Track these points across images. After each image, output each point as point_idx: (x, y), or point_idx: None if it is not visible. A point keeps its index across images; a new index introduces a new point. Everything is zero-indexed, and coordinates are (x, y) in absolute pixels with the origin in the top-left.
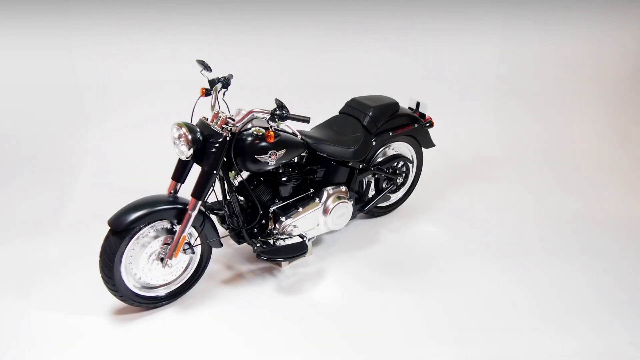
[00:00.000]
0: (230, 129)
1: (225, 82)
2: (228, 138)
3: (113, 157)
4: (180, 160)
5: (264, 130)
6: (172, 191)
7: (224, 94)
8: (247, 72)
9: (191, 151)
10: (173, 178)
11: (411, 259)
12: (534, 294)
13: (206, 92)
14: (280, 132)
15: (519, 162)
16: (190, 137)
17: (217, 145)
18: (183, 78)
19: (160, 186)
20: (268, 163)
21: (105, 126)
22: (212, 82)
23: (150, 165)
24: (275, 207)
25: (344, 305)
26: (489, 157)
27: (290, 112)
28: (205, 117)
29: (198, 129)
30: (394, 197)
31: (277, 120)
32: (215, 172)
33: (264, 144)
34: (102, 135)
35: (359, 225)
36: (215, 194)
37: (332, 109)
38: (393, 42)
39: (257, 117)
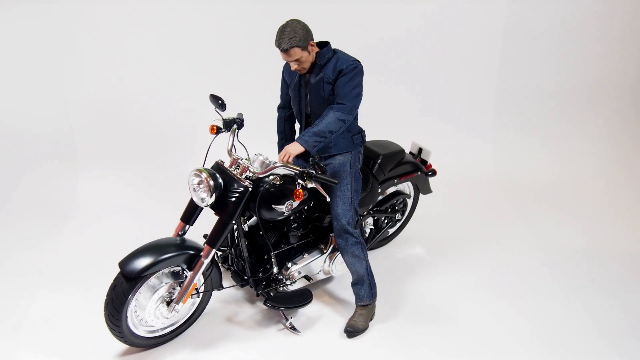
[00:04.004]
0: (251, 177)
1: (240, 123)
2: (250, 189)
3: (106, 190)
4: (192, 202)
5: (281, 180)
6: (180, 232)
7: (237, 135)
8: (246, 98)
9: (213, 198)
10: (182, 219)
11: (410, 295)
12: (536, 329)
13: (217, 130)
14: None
15: (519, 195)
16: (212, 183)
17: (238, 195)
18: (178, 103)
19: (158, 217)
20: (284, 212)
21: (96, 159)
22: (228, 123)
23: (144, 197)
24: (279, 252)
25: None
26: (487, 191)
27: (321, 174)
28: (221, 161)
29: (218, 175)
30: (391, 230)
31: (306, 179)
32: (233, 222)
33: (282, 194)
34: (94, 170)
35: None
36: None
37: None
38: (391, 71)
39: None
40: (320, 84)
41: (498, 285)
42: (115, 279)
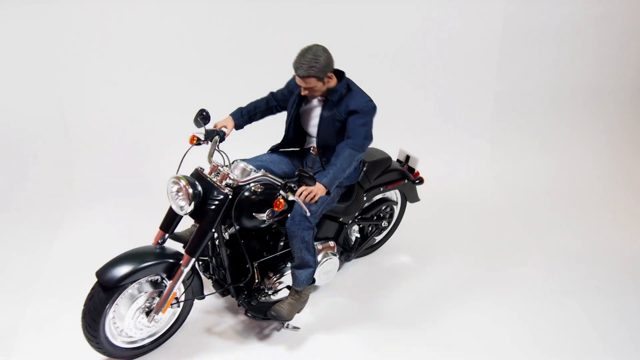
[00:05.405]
0: (231, 185)
1: (222, 136)
2: (230, 196)
3: (101, 192)
4: (171, 211)
5: (262, 187)
6: (159, 241)
7: (218, 146)
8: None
9: (192, 206)
10: (161, 228)
11: (408, 299)
12: (535, 332)
13: (197, 141)
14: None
15: (518, 198)
16: (190, 191)
17: (218, 202)
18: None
19: (143, 227)
20: (265, 220)
21: (90, 168)
22: (210, 134)
23: (136, 208)
24: (261, 261)
25: (335, 353)
26: (486, 194)
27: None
28: (201, 168)
29: (197, 183)
30: (378, 237)
31: (288, 191)
32: (213, 229)
33: (262, 202)
34: (89, 171)
35: (349, 266)
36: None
37: None
38: (387, 74)
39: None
40: (331, 120)
41: (496, 287)
42: (93, 289)
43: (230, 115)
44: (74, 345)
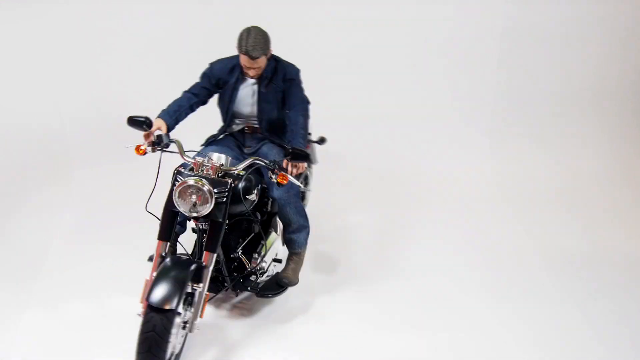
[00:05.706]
0: (226, 174)
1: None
2: (232, 185)
3: (99, 189)
4: (167, 217)
5: (243, 172)
6: (162, 253)
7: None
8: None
9: (212, 204)
10: (161, 238)
11: (408, 298)
12: (533, 332)
13: (145, 152)
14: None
15: (517, 199)
16: (208, 188)
17: (226, 193)
18: None
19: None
20: (254, 201)
21: (89, 156)
22: (165, 139)
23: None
24: (243, 245)
25: (336, 344)
26: (486, 194)
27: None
28: (182, 166)
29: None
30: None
31: (280, 172)
32: (227, 221)
33: (252, 184)
34: (87, 168)
35: (346, 258)
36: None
37: None
38: (386, 74)
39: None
40: (271, 94)
41: (495, 288)
42: (147, 317)
43: (158, 117)
44: (73, 344)
